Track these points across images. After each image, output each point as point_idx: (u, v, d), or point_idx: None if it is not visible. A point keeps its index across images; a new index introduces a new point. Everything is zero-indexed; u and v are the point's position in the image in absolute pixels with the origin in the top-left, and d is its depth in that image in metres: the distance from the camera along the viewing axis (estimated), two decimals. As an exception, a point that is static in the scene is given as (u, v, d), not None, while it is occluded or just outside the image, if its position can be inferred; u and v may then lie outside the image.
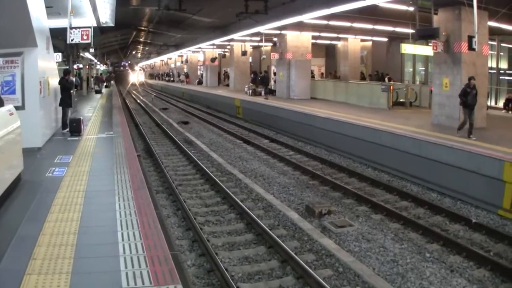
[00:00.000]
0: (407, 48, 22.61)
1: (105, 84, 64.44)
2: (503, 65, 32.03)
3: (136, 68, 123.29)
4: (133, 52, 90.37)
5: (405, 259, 9.94)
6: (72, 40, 17.07)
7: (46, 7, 16.73)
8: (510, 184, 12.70)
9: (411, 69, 40.32)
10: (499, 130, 18.79)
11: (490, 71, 25.59)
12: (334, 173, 17.74)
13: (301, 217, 12.05)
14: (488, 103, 25.87)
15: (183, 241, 10.64)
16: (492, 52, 29.75)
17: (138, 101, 53.84)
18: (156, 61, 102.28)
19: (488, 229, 11.70)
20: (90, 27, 17.57)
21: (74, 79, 33.45)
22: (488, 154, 13.63)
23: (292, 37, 34.12)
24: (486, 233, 11.54)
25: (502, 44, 31.14)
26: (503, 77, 32.04)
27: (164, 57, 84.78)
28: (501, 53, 31.63)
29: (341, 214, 12.83)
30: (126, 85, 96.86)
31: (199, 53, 62.48)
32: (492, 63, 30.09)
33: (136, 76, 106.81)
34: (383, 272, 9.30)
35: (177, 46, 59.28)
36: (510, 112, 27.03)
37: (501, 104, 30.12)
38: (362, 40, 40.03)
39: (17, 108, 11.51)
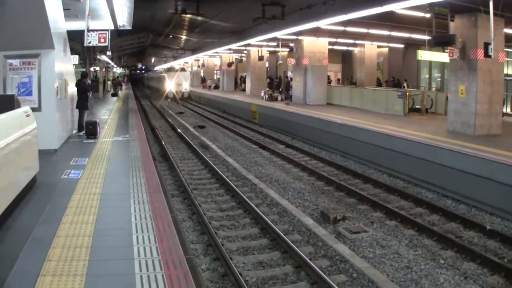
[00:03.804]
0: (424, 55, 22.56)
1: (112, 91, 57.17)
2: (520, 72, 31.88)
3: (175, 65, 74.03)
4: (150, 56, 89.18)
5: (419, 265, 9.90)
6: (89, 43, 17.22)
7: (64, 9, 16.84)
8: (525, 191, 12.68)
9: (427, 76, 40.20)
10: (515, 137, 18.72)
11: (506, 78, 25.46)
12: (349, 179, 17.69)
13: (316, 222, 12.04)
14: (504, 110, 25.73)
15: (198, 245, 10.64)
16: (508, 59, 29.61)
17: (154, 104, 53.62)
18: (174, 65, 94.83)
19: (502, 236, 11.63)
20: (107, 30, 17.70)
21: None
22: (503, 161, 13.58)
23: (308, 42, 34.15)
24: (500, 240, 11.48)
25: (518, 51, 31.00)
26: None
27: (181, 61, 78.58)
28: (517, 60, 31.48)
29: (355, 220, 12.79)
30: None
31: (216, 57, 62.37)
32: (508, 70, 29.93)
33: (173, 83, 59.61)
34: (397, 278, 9.27)
35: (194, 50, 59.19)
36: (526, 119, 26.84)
37: (516, 111, 30.02)
38: (379, 47, 39.94)
39: (33, 109, 11.59)
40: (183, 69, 65.04)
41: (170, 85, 59.19)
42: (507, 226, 12.72)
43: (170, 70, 67.25)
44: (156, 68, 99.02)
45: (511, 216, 12.99)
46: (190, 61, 75.83)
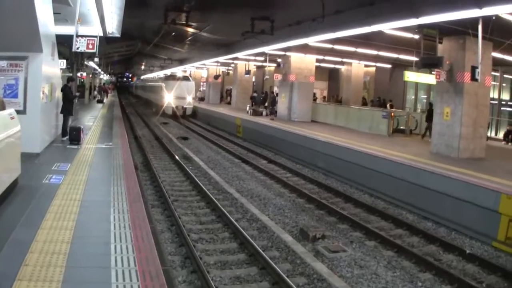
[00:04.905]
0: (410, 76, 22.63)
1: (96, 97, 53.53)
2: (505, 96, 32.28)
3: (177, 72, 61.40)
4: (137, 64, 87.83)
5: (397, 287, 9.90)
6: (77, 48, 17.18)
7: (54, 13, 16.79)
8: (506, 216, 12.66)
9: (413, 97, 40.47)
10: (498, 161, 18.92)
11: (491, 101, 25.69)
12: (331, 197, 17.68)
13: (295, 240, 11.99)
14: (488, 134, 25.93)
15: (176, 257, 10.59)
16: (495, 83, 29.88)
17: (139, 112, 53.21)
18: (160, 75, 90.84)
19: (481, 260, 11.66)
20: (96, 36, 17.65)
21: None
22: (485, 185, 13.63)
23: (296, 59, 34.22)
24: (479, 264, 11.49)
25: (505, 76, 31.28)
26: (504, 108, 32.21)
27: (168, 72, 73.77)
28: (504, 84, 31.81)
29: (335, 239, 12.77)
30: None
31: (203, 69, 62.03)
32: (494, 94, 30.22)
33: (173, 95, 47.89)
34: (374, 299, 9.27)
35: (181, 61, 58.95)
36: (510, 144, 27.05)
37: (501, 135, 30.27)
38: (366, 66, 40.11)
39: (18, 112, 11.54)
40: (186, 78, 52.74)
41: (169, 98, 47.85)
42: (486, 250, 12.76)
43: (169, 78, 54.04)
44: (144, 76, 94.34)
45: (490, 240, 13.04)
46: (177, 72, 73.60)
